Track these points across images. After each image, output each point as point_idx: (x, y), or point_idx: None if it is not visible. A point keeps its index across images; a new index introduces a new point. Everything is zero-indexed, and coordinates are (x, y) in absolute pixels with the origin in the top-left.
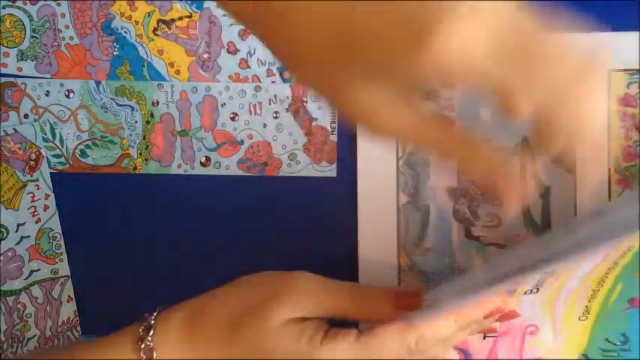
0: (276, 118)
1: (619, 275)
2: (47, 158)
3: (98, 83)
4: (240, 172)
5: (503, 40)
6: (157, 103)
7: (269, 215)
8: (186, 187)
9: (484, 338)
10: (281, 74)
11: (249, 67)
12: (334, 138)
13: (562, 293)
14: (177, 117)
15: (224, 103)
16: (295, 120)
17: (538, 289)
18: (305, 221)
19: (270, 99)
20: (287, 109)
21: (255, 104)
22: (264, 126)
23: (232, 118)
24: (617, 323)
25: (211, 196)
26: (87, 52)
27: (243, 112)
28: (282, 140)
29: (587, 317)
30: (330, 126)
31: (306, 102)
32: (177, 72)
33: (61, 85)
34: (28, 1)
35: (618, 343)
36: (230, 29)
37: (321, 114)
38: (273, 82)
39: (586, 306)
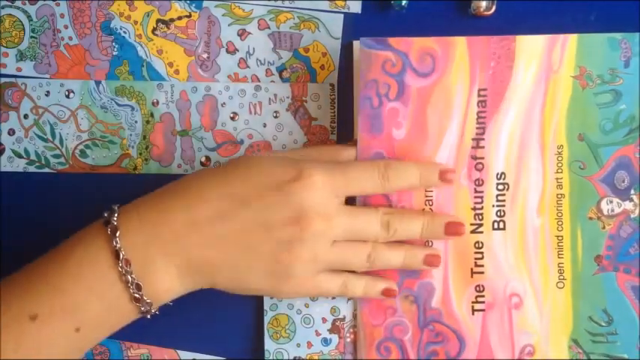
0: (276, 117)
1: (573, 212)
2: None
3: (98, 83)
4: None
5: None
6: (157, 102)
7: None
8: None
9: (473, 314)
10: (280, 74)
11: (248, 66)
12: (334, 137)
13: (529, 235)
14: (177, 117)
15: (224, 103)
16: (295, 119)
17: (505, 225)
18: None
19: (270, 98)
20: (287, 108)
21: (255, 104)
22: (264, 125)
23: (232, 118)
24: (595, 294)
25: None
26: (86, 52)
27: (243, 111)
28: (282, 140)
29: (563, 284)
30: (330, 126)
31: (306, 101)
32: (177, 72)
33: (61, 85)
34: (27, 2)
35: (603, 324)
36: (229, 29)
37: (321, 114)
38: (272, 81)
39: (558, 265)
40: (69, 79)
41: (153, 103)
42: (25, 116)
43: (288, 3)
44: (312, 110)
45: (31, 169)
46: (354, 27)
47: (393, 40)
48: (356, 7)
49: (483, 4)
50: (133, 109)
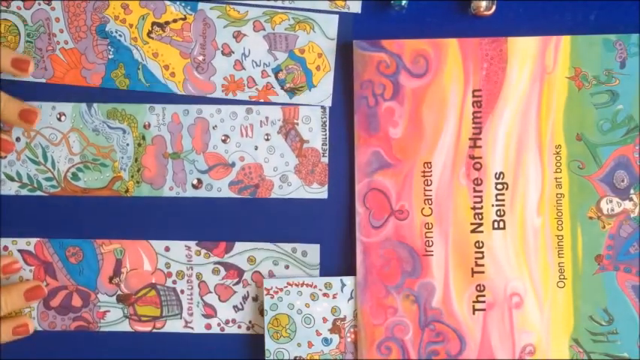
0: (267, 140)
1: (573, 211)
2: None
3: (90, 106)
4: (232, 194)
5: None
6: (149, 125)
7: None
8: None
9: (473, 313)
10: (276, 75)
11: (244, 68)
12: (325, 160)
13: (529, 234)
14: (169, 139)
15: (215, 126)
16: (286, 142)
17: (505, 224)
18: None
19: (261, 121)
20: (278, 131)
21: (246, 126)
22: (256, 148)
23: (224, 141)
24: (596, 294)
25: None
26: (82, 55)
27: (235, 134)
28: (273, 162)
29: (564, 284)
30: (322, 148)
31: (297, 124)
32: (173, 74)
33: (53, 108)
34: (22, 6)
35: (604, 323)
36: (224, 31)
37: (312, 136)
38: (271, 96)
39: (559, 264)
40: (60, 102)
41: (144, 126)
42: (17, 139)
43: (281, 3)
44: (304, 132)
45: (23, 192)
46: (354, 27)
47: (386, 43)
48: (356, 7)
49: (483, 4)
50: (124, 131)
